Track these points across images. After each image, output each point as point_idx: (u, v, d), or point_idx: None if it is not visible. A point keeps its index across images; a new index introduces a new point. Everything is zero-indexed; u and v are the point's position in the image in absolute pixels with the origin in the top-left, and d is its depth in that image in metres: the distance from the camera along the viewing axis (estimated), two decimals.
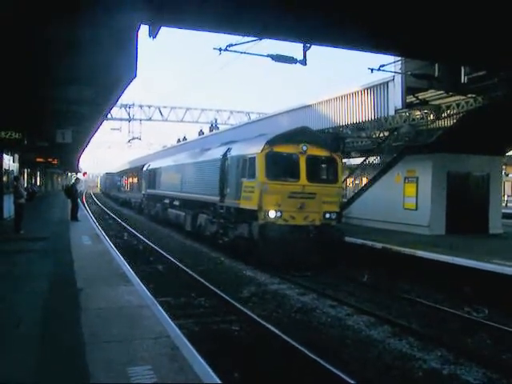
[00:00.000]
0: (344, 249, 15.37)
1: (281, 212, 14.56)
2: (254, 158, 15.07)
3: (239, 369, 7.14)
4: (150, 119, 43.50)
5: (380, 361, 7.75)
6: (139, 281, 9.57)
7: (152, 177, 31.81)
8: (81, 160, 65.37)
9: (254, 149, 15.42)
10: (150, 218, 32.24)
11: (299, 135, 15.47)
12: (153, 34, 10.22)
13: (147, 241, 21.01)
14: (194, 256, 17.51)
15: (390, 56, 15.37)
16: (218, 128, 46.36)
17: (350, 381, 6.59)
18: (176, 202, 25.09)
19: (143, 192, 35.83)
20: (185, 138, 59.65)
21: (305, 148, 15.13)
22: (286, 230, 14.38)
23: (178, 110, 44.59)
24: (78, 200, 24.88)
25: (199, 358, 5.22)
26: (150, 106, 43.38)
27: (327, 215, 15.28)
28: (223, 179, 17.40)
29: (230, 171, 16.98)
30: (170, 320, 6.74)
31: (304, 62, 12.12)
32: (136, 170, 76.68)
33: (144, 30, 10.02)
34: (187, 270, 14.40)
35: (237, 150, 17.01)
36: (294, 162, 15.12)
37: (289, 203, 14.76)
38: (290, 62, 12.32)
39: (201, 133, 52.55)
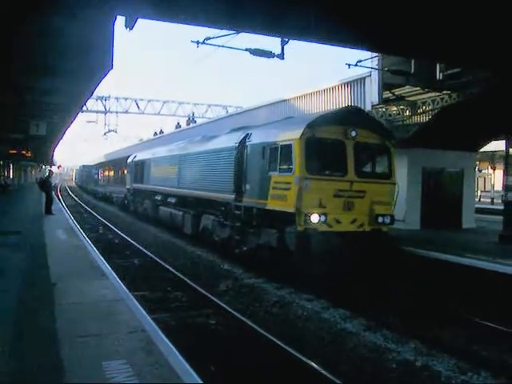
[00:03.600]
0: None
1: (325, 215, 11.29)
2: (290, 145, 11.71)
3: (215, 362, 7.15)
4: (126, 112, 43.14)
5: (355, 353, 7.84)
6: (115, 274, 9.50)
7: (139, 169, 27.93)
8: (55, 152, 64.55)
9: (289, 134, 12.04)
10: (136, 215, 28.39)
11: (346, 116, 12.28)
12: (129, 25, 10.09)
13: (124, 235, 20.86)
14: (170, 250, 17.41)
15: (367, 52, 15.45)
16: (195, 121, 46.16)
17: (324, 373, 6.66)
18: (171, 200, 21.15)
19: (128, 186, 31.63)
20: (161, 131, 59.28)
21: (354, 133, 11.94)
22: (334, 241, 11.21)
23: (155, 103, 44.40)
24: (53, 193, 24.53)
25: (175, 351, 5.21)
26: (126, 99, 43.07)
27: (380, 219, 12.08)
28: (240, 173, 13.97)
29: (250, 163, 13.61)
30: (145, 314, 6.70)
31: (282, 56, 12.09)
32: (118, 162, 75.08)
33: (121, 21, 9.87)
34: (164, 264, 14.34)
35: (261, 136, 13.58)
36: (339, 150, 11.97)
37: (334, 204, 11.60)
38: (267, 56, 12.29)
39: (178, 126, 52.28)
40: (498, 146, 24.39)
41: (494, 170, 46.74)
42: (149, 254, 16.12)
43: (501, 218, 16.47)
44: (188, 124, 47.15)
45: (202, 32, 12.19)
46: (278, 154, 12.10)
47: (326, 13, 9.77)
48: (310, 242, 11.08)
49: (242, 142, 14.08)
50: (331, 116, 12.47)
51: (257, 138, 13.64)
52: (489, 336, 8.92)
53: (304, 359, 7.21)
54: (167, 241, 19.67)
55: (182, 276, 12.73)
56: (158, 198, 23.23)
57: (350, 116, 12.27)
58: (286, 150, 11.85)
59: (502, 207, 16.80)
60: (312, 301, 10.75)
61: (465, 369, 7.23)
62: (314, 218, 11.17)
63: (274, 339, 8.04)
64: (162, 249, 17.55)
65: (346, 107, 13.91)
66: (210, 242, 16.64)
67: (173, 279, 12.65)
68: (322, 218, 11.24)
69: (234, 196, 14.10)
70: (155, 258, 15.26)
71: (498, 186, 42.94)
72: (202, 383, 4.67)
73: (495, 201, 39.55)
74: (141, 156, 29.12)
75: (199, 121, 44.91)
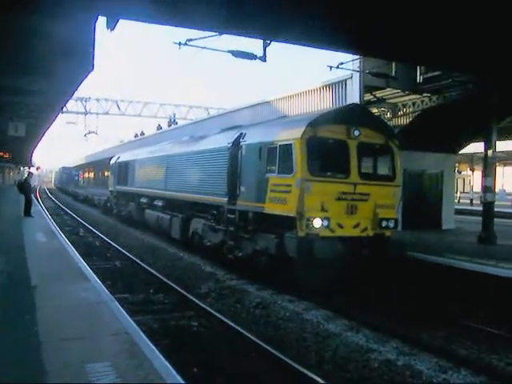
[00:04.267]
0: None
1: (328, 220, 10.73)
2: (290, 145, 11.03)
3: (198, 364, 7.13)
4: (107, 113, 42.80)
5: (338, 353, 7.89)
6: (96, 277, 9.42)
7: (123, 171, 26.77)
8: (34, 154, 63.78)
9: (289, 133, 11.39)
10: (120, 218, 27.46)
11: (349, 114, 11.68)
12: (111, 26, 10.05)
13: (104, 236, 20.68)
14: (152, 252, 17.30)
15: (349, 54, 15.57)
16: (176, 123, 45.99)
17: (308, 373, 6.69)
18: (158, 202, 20.24)
19: (111, 189, 30.30)
20: (142, 133, 58.98)
21: (357, 133, 11.32)
22: (338, 247, 10.73)
23: (136, 105, 44.10)
24: (32, 195, 24.23)
25: (158, 353, 5.19)
26: (107, 100, 42.74)
27: (383, 223, 11.58)
28: (234, 174, 13.19)
29: (245, 164, 12.85)
30: (128, 317, 6.66)
31: (264, 58, 12.16)
32: (100, 164, 74.25)
33: (102, 21, 9.83)
34: (146, 266, 14.25)
35: (256, 136, 12.87)
36: (342, 151, 11.37)
37: (336, 207, 11.02)
38: (249, 57, 12.34)
39: (159, 128, 52.05)
40: (476, 147, 24.73)
41: (473, 171, 47.50)
42: (131, 256, 15.99)
43: (479, 218, 16.71)
44: (169, 126, 46.95)
45: (184, 33, 12.19)
46: (277, 155, 11.45)
47: (302, 14, 9.84)
48: (312, 249, 10.46)
49: (236, 142, 13.36)
50: (333, 114, 11.84)
51: (252, 137, 12.93)
52: (469, 335, 9.02)
53: (286, 360, 7.23)
54: (149, 243, 19.60)
55: (163, 278, 12.65)
56: (144, 200, 22.35)
57: (353, 114, 11.68)
58: (286, 150, 11.19)
59: (480, 208, 17.06)
60: (294, 302, 10.81)
61: (445, 367, 7.37)
62: (317, 223, 10.58)
63: (257, 340, 8.05)
64: (144, 251, 17.44)
65: (348, 105, 13.28)
66: (200, 248, 16.00)
67: (155, 281, 12.57)
68: (325, 223, 10.66)
69: (227, 199, 13.46)
70: (137, 261, 15.14)
71: (477, 188, 43.63)
72: None
73: (474, 202, 40.13)
74: (125, 157, 28.02)
75: (180, 122, 44.73)
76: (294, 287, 11.07)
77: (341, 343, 8.35)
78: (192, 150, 17.22)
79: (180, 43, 11.89)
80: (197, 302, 10.49)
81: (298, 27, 10.19)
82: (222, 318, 9.34)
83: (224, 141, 14.30)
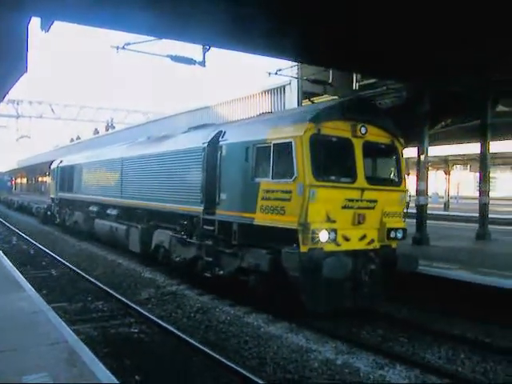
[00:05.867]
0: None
1: (335, 232, 9.24)
2: (290, 144, 9.40)
3: (140, 371, 7.06)
4: (40, 116, 41.50)
5: (279, 354, 8.02)
6: (31, 286, 9.15)
7: (67, 176, 24.28)
8: None
9: (287, 129, 9.73)
10: (64, 229, 25.29)
11: (354, 109, 10.02)
12: (45, 27, 9.82)
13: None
14: (89, 260, 16.92)
15: (287, 61, 15.88)
16: (114, 127, 45.18)
17: (248, 375, 6.78)
18: (111, 211, 17.98)
19: (52, 196, 27.70)
20: (78, 138, 57.47)
21: (364, 130, 9.83)
22: (348, 264, 9.22)
23: (72, 108, 42.98)
24: None
25: (99, 362, 5.12)
26: (40, 103, 41.42)
27: (392, 233, 10.19)
28: (212, 179, 11.44)
29: (226, 167, 11.11)
30: (66, 325, 6.52)
31: (203, 63, 12.20)
32: (38, 169, 70.97)
33: (36, 23, 9.60)
34: (83, 274, 13.92)
35: (241, 134, 11.12)
36: (347, 151, 9.90)
37: (342, 217, 9.50)
38: (189, 62, 12.35)
39: (96, 132, 50.92)
40: (410, 152, 25.68)
41: (408, 175, 49.17)
42: (67, 264, 15.57)
43: (414, 220, 17.35)
44: (107, 130, 46.05)
45: (125, 36, 12.02)
46: (271, 156, 9.80)
47: (239, 23, 9.97)
48: (321, 266, 8.84)
49: (214, 142, 11.56)
50: (337, 108, 10.08)
51: (235, 136, 11.18)
52: (405, 332, 9.35)
53: (228, 363, 7.29)
54: (87, 250, 19.13)
55: (102, 285, 12.41)
56: (94, 209, 20.04)
57: (358, 109, 10.08)
58: (283, 150, 9.59)
59: (414, 211, 17.72)
60: (234, 306, 10.88)
61: (382, 364, 7.67)
62: (323, 236, 9.04)
63: (199, 345, 8.06)
64: (82, 259, 17.02)
65: (352, 97, 11.39)
66: (166, 263, 14.15)
67: (93, 289, 12.31)
68: (332, 236, 9.17)
69: (202, 208, 11.69)
70: (74, 268, 14.76)
71: (411, 191, 45.24)
72: None
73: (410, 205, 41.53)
74: (69, 161, 25.55)
75: (118, 127, 43.96)
76: (291, 312, 9.82)
77: (282, 345, 8.48)
78: (155, 152, 14.95)
79: (118, 47, 11.75)
80: (137, 308, 10.37)
81: (235, 35, 10.31)
82: (163, 323, 9.29)
83: (197, 140, 12.47)
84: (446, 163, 40.70)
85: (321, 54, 12.41)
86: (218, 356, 7.54)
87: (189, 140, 13.23)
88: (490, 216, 18.18)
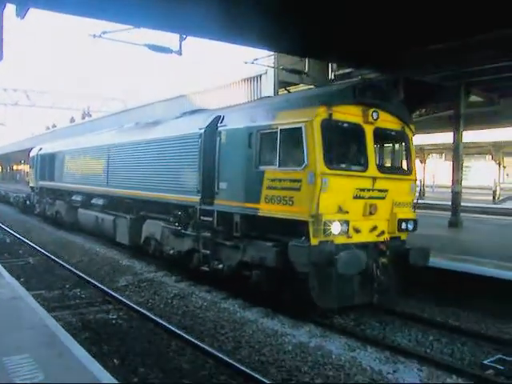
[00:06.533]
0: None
1: (347, 224, 8.74)
2: (299, 129, 8.78)
3: (119, 355, 7.23)
4: (16, 104, 40.91)
5: (254, 338, 8.25)
6: (8, 274, 9.22)
7: (48, 164, 23.17)
8: None
9: (296, 113, 9.05)
10: (45, 219, 24.39)
11: (364, 92, 9.27)
12: (20, 14, 9.78)
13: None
14: (67, 248, 16.92)
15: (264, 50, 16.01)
16: (90, 115, 44.78)
17: (225, 358, 6.99)
18: (97, 201, 17.13)
19: (32, 185, 26.56)
20: (54, 126, 56.81)
21: (375, 116, 9.22)
22: (363, 257, 8.77)
23: (47, 95, 42.45)
24: None
25: (77, 343, 5.27)
26: (15, 90, 40.82)
27: (403, 225, 9.75)
28: (210, 167, 10.80)
29: (226, 154, 10.48)
30: (45, 310, 6.64)
31: (180, 52, 12.26)
32: (16, 156, 69.05)
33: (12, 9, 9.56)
34: (61, 262, 13.96)
35: (243, 119, 10.28)
36: (358, 138, 9.42)
37: (354, 207, 9.00)
38: (166, 51, 12.39)
39: (72, 120, 50.41)
40: None
41: None
42: (45, 252, 15.57)
43: None
44: (83, 118, 45.61)
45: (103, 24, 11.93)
46: (277, 142, 9.18)
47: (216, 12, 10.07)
48: (333, 262, 8.35)
49: (212, 128, 10.90)
50: (349, 91, 9.27)
51: (236, 121, 10.47)
52: (376, 316, 9.63)
53: (203, 346, 7.50)
54: (64, 238, 19.09)
55: (80, 273, 12.49)
56: (78, 198, 19.03)
57: (369, 92, 9.34)
58: (291, 135, 9.05)
59: None
60: (211, 292, 11.06)
61: (354, 347, 7.94)
62: (336, 228, 8.55)
63: (176, 329, 8.25)
64: (59, 246, 17.01)
65: (362, 80, 10.44)
66: (157, 256, 13.54)
67: (71, 276, 12.38)
68: (344, 228, 8.67)
69: (199, 197, 11.06)
70: (52, 257, 14.78)
71: None
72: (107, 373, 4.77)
73: None
74: (50, 148, 24.43)
75: (95, 115, 43.58)
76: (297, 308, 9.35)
77: (257, 329, 8.70)
78: (146, 139, 14.10)
79: (94, 35, 11.74)
80: (115, 295, 10.50)
81: (212, 24, 10.40)
82: (141, 309, 9.45)
83: (192, 126, 11.75)
84: (421, 152, 41.35)
85: (296, 43, 12.56)
86: (193, 339, 7.75)
87: (183, 126, 12.53)
88: (462, 204, 18.63)
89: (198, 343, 7.63)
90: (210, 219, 10.72)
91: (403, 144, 10.32)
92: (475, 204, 29.30)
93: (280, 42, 12.68)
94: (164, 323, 8.60)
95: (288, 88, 18.72)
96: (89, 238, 18.22)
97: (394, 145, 10.65)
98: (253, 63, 15.43)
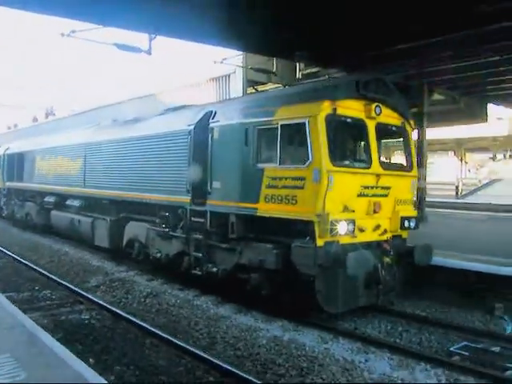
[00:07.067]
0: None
1: (353, 223, 8.45)
2: (303, 125, 8.41)
3: (93, 354, 7.25)
4: None
5: (229, 334, 8.38)
6: None
7: (17, 164, 22.13)
8: None
9: (299, 108, 8.67)
10: (14, 222, 22.96)
11: (368, 86, 8.97)
12: None
13: None
14: (35, 249, 16.67)
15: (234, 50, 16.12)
16: (54, 115, 44.04)
17: (200, 353, 7.11)
18: (72, 202, 16.24)
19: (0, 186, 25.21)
20: (15, 126, 55.54)
21: (378, 110, 8.95)
22: (370, 258, 8.54)
23: (9, 93, 41.54)
24: None
25: (57, 341, 5.30)
26: None
27: (405, 223, 9.51)
28: (201, 166, 10.29)
29: (219, 151, 9.97)
30: (20, 311, 6.62)
31: (149, 51, 12.26)
32: None
33: None
34: (29, 263, 13.78)
35: (237, 114, 9.81)
36: (361, 133, 9.22)
37: (358, 206, 8.70)
38: (135, 51, 12.37)
39: (35, 120, 49.40)
40: None
41: None
42: (11, 254, 15.31)
43: None
44: (47, 117, 44.80)
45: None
46: (278, 138, 8.76)
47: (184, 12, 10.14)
48: (341, 263, 7.98)
49: (203, 124, 10.39)
50: (352, 85, 8.89)
51: (229, 116, 9.96)
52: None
53: (178, 342, 7.59)
54: (30, 240, 18.78)
55: (49, 274, 12.37)
56: (51, 200, 18.08)
57: (372, 86, 9.06)
58: (294, 131, 8.73)
59: None
60: (183, 290, 11.13)
61: (327, 339, 8.17)
62: (342, 228, 8.23)
63: (149, 327, 8.31)
64: (26, 248, 16.75)
65: (367, 74, 9.76)
66: (141, 260, 12.91)
67: (40, 278, 12.24)
68: (350, 227, 8.37)
69: (189, 197, 10.57)
70: (19, 258, 14.56)
71: None
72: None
73: None
74: (18, 147, 23.52)
75: (59, 115, 42.87)
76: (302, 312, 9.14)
77: (231, 324, 8.83)
78: (127, 136, 13.36)
79: (63, 34, 11.64)
80: (86, 295, 10.46)
81: (181, 24, 10.47)
82: (114, 308, 9.46)
83: (179, 123, 11.20)
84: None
85: (263, 43, 12.72)
86: (168, 336, 7.83)
87: (169, 122, 11.96)
88: (427, 199, 19.11)
89: (173, 340, 7.72)
90: (202, 220, 10.22)
91: (404, 140, 10.10)
92: (439, 199, 29.97)
93: (248, 42, 12.81)
94: (138, 321, 8.65)
95: (256, 87, 18.91)
96: (58, 240, 17.97)
97: (394, 140, 10.46)
98: (222, 63, 15.53)
